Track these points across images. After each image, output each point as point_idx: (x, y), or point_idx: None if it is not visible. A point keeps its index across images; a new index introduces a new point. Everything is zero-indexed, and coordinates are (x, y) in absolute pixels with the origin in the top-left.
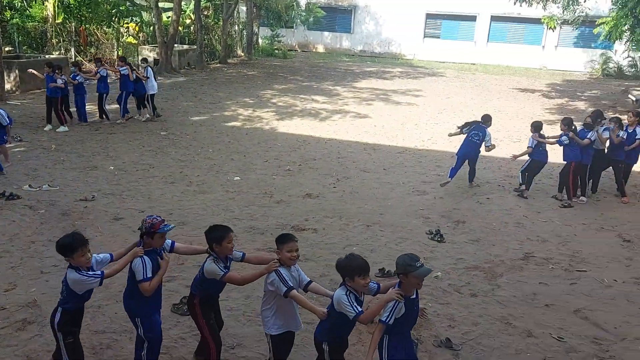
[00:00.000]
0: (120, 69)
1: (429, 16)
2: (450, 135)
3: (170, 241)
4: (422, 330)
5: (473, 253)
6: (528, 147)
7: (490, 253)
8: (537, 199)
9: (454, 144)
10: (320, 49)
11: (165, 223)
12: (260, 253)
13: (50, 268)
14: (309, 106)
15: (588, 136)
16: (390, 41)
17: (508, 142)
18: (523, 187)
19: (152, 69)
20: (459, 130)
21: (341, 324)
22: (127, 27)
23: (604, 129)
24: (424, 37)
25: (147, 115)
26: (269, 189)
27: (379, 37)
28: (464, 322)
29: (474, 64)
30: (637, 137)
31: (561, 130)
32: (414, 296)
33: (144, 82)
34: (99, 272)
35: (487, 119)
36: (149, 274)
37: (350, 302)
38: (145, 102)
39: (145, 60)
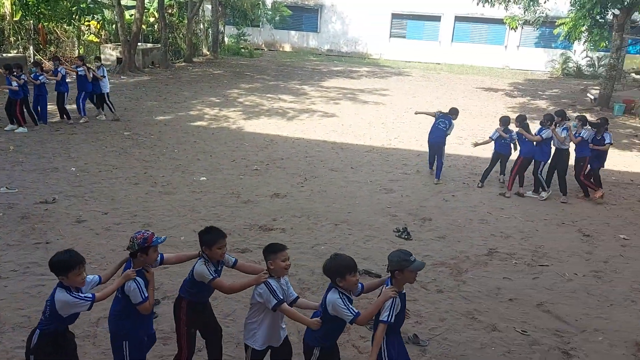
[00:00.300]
0: (77, 69)
1: (395, 16)
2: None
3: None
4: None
5: (439, 250)
6: (489, 138)
7: (455, 249)
8: (500, 195)
9: (420, 142)
10: (287, 48)
11: (156, 235)
12: (252, 263)
13: (9, 273)
14: (276, 105)
15: (541, 134)
16: (356, 40)
17: (472, 140)
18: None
19: (104, 68)
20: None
21: (335, 328)
22: (88, 25)
23: (562, 129)
24: (390, 36)
25: (104, 115)
26: (236, 189)
27: (345, 37)
28: (430, 318)
29: (439, 64)
30: (606, 142)
31: (516, 126)
32: (403, 291)
33: (100, 81)
34: (90, 295)
35: (453, 112)
36: (146, 293)
37: (346, 305)
38: (107, 101)
39: (98, 59)
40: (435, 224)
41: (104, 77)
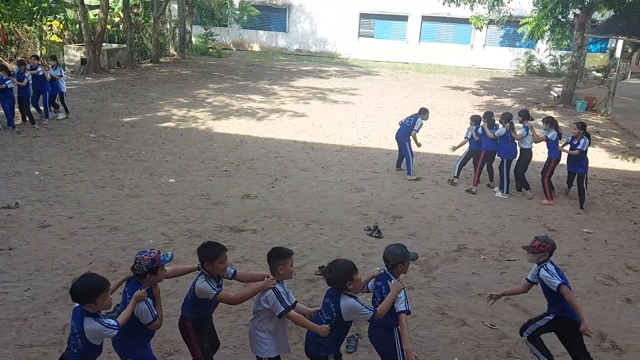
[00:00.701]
0: (36, 69)
1: (363, 16)
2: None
3: None
4: (362, 325)
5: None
6: (465, 138)
7: (425, 246)
8: (467, 192)
9: (390, 141)
10: (256, 47)
11: (163, 253)
12: (251, 271)
13: None
14: (246, 105)
15: (494, 131)
16: (325, 40)
17: (441, 139)
18: (454, 178)
19: (60, 67)
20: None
21: (344, 334)
22: (51, 25)
23: (524, 128)
24: (359, 36)
25: (62, 115)
26: (205, 191)
27: (314, 37)
28: None
29: (407, 63)
30: (579, 147)
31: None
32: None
33: (58, 80)
34: (115, 322)
35: (422, 112)
36: (155, 312)
37: (362, 305)
38: (62, 101)
39: (53, 57)
40: (406, 221)
41: (61, 76)
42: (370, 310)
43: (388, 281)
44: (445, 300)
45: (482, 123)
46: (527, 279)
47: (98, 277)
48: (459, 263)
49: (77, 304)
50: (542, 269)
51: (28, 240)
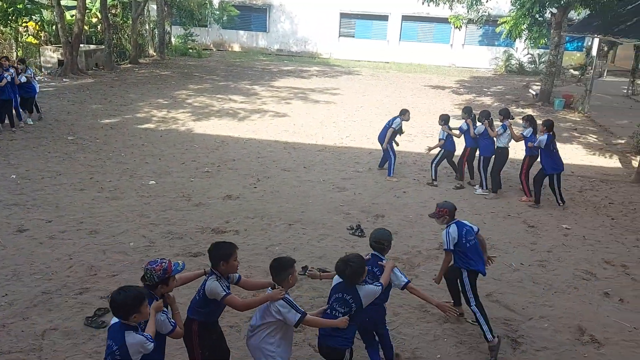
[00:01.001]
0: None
1: (343, 16)
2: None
3: None
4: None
5: (392, 245)
6: (440, 140)
7: (408, 244)
8: (450, 190)
9: (372, 141)
10: (236, 48)
11: (174, 262)
12: (256, 278)
13: None
14: (227, 106)
15: (475, 130)
16: (306, 40)
17: (422, 138)
18: (432, 180)
19: (31, 70)
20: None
21: (358, 322)
22: (27, 26)
23: (502, 126)
24: (339, 36)
25: (31, 120)
26: (186, 192)
27: (295, 36)
28: None
29: (387, 63)
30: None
31: (462, 118)
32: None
33: (33, 82)
34: (149, 335)
35: (402, 112)
36: (174, 321)
37: (374, 285)
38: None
39: (22, 61)
40: (388, 220)
41: (33, 77)
42: (380, 285)
43: (379, 262)
44: None
45: (467, 120)
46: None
47: (138, 287)
48: (441, 260)
49: (113, 322)
50: (444, 231)
51: (5, 245)
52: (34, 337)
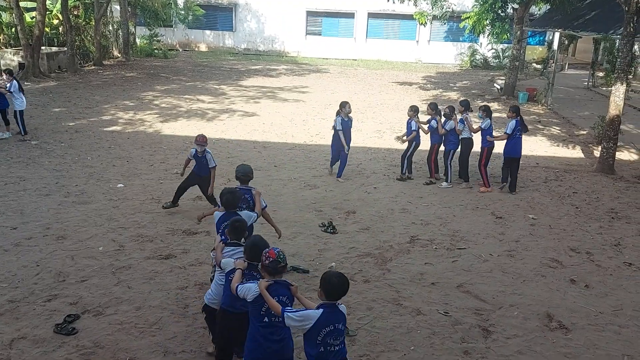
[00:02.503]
0: None
1: (310, 13)
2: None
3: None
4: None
5: (364, 241)
6: (413, 131)
7: (379, 239)
8: (419, 184)
9: None
10: (203, 47)
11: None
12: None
13: None
14: (195, 106)
15: (445, 127)
16: (273, 39)
17: (390, 133)
18: (407, 174)
19: (18, 82)
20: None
21: None
22: None
23: (460, 120)
24: (306, 34)
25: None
26: (156, 194)
27: (262, 35)
28: (358, 307)
29: (355, 60)
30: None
31: (428, 114)
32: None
33: (5, 95)
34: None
35: (340, 105)
36: None
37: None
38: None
39: (9, 72)
40: (360, 216)
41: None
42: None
43: (252, 191)
44: (401, 291)
45: (435, 117)
46: None
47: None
48: (412, 254)
49: (341, 304)
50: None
51: None
52: (1, 347)
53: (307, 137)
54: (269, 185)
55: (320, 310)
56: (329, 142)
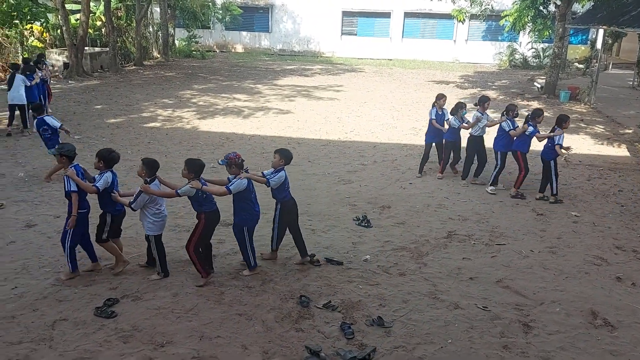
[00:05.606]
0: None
1: (345, 14)
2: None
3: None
4: (354, 311)
5: (399, 235)
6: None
7: (415, 234)
8: (456, 181)
9: (376, 135)
10: (239, 48)
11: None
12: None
13: None
14: (231, 104)
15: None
16: (309, 39)
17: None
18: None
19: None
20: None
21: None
22: (32, 30)
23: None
24: (342, 34)
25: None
26: None
27: (297, 36)
28: (394, 300)
29: (390, 60)
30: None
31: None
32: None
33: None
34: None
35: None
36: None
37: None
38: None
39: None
40: (394, 211)
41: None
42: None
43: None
44: (437, 285)
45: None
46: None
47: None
48: (449, 249)
49: None
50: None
51: (14, 240)
52: (44, 327)
53: (341, 134)
54: (303, 180)
55: (284, 171)
56: (364, 139)
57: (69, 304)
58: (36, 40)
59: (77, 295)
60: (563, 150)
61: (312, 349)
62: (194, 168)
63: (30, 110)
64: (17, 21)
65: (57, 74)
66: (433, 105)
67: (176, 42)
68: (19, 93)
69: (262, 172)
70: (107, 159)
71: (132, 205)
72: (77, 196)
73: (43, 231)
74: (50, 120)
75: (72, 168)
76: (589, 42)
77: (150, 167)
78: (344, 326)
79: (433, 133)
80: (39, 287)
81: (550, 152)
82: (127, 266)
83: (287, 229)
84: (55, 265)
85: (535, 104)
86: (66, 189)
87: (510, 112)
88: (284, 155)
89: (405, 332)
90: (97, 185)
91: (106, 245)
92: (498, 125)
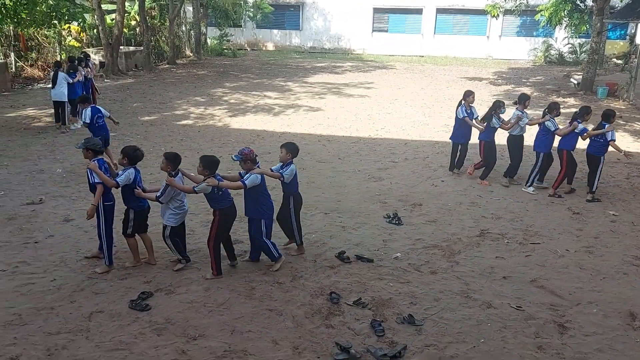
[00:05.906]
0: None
1: (376, 10)
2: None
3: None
4: (385, 308)
5: (431, 233)
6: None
7: (447, 232)
8: (490, 179)
9: (407, 132)
10: (270, 47)
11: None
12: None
13: None
14: (262, 102)
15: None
16: (339, 37)
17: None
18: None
19: (64, 73)
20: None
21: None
22: (69, 30)
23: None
24: (373, 31)
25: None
26: None
27: (328, 33)
28: (425, 298)
29: (422, 56)
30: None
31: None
32: None
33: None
34: None
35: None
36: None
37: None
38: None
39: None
40: (426, 208)
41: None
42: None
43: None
44: (470, 284)
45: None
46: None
47: None
48: (482, 247)
49: None
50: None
51: (53, 234)
52: (81, 319)
53: (372, 131)
54: (333, 177)
55: (293, 165)
56: (395, 136)
57: (105, 297)
58: (73, 40)
59: (113, 288)
60: (624, 155)
61: (343, 346)
62: (208, 164)
63: (69, 107)
64: (55, 21)
65: (100, 73)
66: (460, 103)
67: (208, 40)
68: (60, 90)
69: (271, 168)
70: (132, 156)
71: (160, 199)
72: (102, 188)
73: (80, 225)
74: (102, 109)
75: (95, 161)
76: (627, 37)
77: (172, 161)
78: (374, 323)
79: (461, 132)
80: (76, 279)
81: (602, 148)
82: (157, 262)
83: (292, 216)
84: (91, 259)
85: (571, 101)
86: (91, 182)
87: (554, 110)
88: (291, 149)
89: (436, 331)
90: (117, 180)
91: (130, 241)
92: (538, 124)
